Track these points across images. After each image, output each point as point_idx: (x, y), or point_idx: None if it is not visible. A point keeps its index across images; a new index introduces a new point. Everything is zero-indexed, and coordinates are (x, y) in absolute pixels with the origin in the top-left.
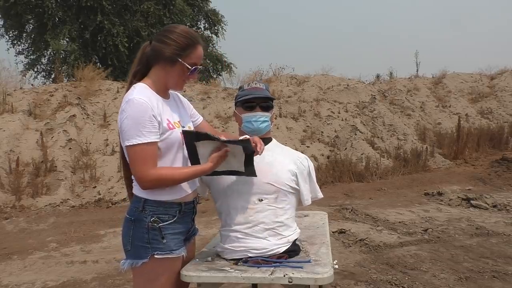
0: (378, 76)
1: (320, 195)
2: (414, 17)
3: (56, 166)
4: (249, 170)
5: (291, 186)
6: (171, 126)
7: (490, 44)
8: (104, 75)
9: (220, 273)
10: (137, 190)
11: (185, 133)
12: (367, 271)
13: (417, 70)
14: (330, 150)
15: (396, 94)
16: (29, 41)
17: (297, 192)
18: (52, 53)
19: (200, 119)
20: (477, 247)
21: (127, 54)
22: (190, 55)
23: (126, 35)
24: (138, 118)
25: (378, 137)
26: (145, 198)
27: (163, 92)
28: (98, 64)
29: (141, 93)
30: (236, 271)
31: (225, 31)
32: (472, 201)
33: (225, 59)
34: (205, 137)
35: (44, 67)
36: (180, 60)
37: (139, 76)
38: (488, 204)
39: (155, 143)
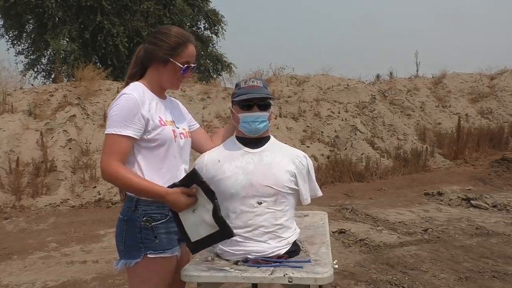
0: (378, 76)
1: (320, 193)
2: (414, 17)
3: (56, 166)
4: (224, 227)
5: (290, 187)
6: (163, 123)
7: (490, 44)
8: (104, 75)
9: (220, 273)
10: None
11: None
12: (367, 271)
13: (417, 70)
14: (330, 150)
15: (396, 94)
16: (29, 41)
17: (296, 192)
18: (52, 53)
19: (196, 125)
20: (477, 247)
21: (127, 54)
22: (181, 54)
23: (126, 35)
24: (124, 111)
25: (378, 137)
26: (137, 197)
27: (159, 93)
28: (98, 64)
29: (134, 90)
30: (236, 271)
31: (225, 31)
32: (472, 201)
33: (225, 59)
34: (200, 184)
35: (44, 67)
36: (171, 59)
37: (137, 78)
38: (488, 204)
39: (131, 138)
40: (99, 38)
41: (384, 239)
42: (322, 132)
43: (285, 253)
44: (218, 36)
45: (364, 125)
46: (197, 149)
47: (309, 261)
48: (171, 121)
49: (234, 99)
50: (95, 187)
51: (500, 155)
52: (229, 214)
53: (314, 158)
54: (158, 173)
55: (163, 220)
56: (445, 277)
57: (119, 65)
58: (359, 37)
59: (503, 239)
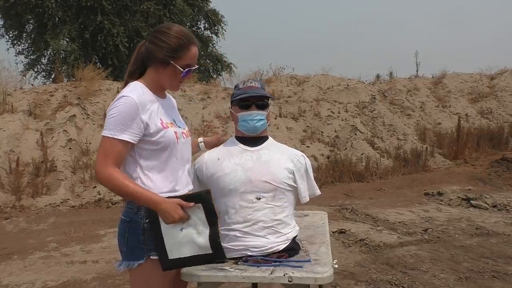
0: (378, 76)
1: (318, 192)
2: (414, 17)
3: (56, 166)
4: (219, 251)
5: (288, 184)
6: (165, 125)
7: (490, 44)
8: (104, 75)
9: (220, 273)
10: None
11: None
12: (367, 271)
13: (417, 70)
14: (330, 150)
15: (396, 94)
16: (29, 41)
17: (294, 190)
18: (52, 53)
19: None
20: (477, 247)
21: (127, 54)
22: (182, 57)
23: (126, 35)
24: (122, 114)
25: (378, 137)
26: None
27: (159, 92)
28: (98, 64)
29: (133, 92)
30: (236, 271)
31: (225, 31)
32: (472, 201)
33: (225, 59)
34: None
35: (44, 67)
36: (172, 62)
37: (136, 76)
38: (488, 204)
39: (127, 143)
40: (99, 38)
41: (384, 239)
42: (322, 132)
43: (285, 249)
44: (218, 36)
45: (364, 125)
46: None
47: (309, 261)
48: (171, 122)
49: (233, 99)
50: (95, 187)
51: (500, 155)
52: (228, 210)
53: (314, 158)
54: (161, 175)
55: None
56: (445, 277)
57: (119, 65)
58: (359, 37)
59: (503, 239)
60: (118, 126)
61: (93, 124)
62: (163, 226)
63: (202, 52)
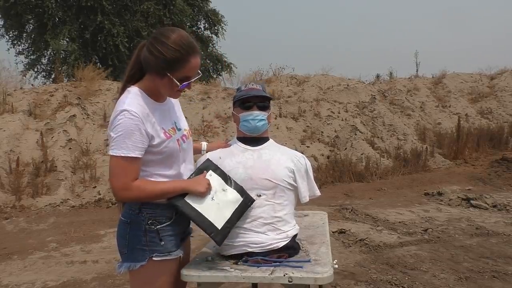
0: (378, 76)
1: (318, 193)
2: (414, 17)
3: (56, 166)
4: (246, 194)
5: (288, 183)
6: (168, 135)
7: (490, 44)
8: (104, 75)
9: (220, 273)
10: None
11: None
12: (367, 271)
13: (417, 70)
14: (330, 150)
15: (396, 94)
16: (29, 41)
17: (295, 189)
18: (52, 53)
19: None
20: (477, 247)
21: (128, 54)
22: (180, 70)
23: (126, 35)
24: (129, 131)
25: (378, 137)
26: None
27: (157, 97)
28: (98, 64)
29: (133, 105)
30: (236, 271)
31: (225, 31)
32: (472, 201)
33: (225, 59)
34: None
35: (44, 67)
36: (168, 74)
37: (135, 80)
38: (488, 204)
39: (138, 159)
40: (99, 38)
41: (384, 239)
42: (322, 132)
43: (285, 247)
44: (218, 36)
45: (364, 125)
46: None
47: (309, 261)
48: (173, 127)
49: (235, 101)
50: (95, 187)
51: (500, 155)
52: None
53: (314, 158)
54: (165, 179)
55: (168, 223)
56: (445, 277)
57: (120, 65)
58: (359, 37)
59: (503, 239)
60: (128, 143)
61: (93, 124)
62: (197, 205)
63: (202, 52)
